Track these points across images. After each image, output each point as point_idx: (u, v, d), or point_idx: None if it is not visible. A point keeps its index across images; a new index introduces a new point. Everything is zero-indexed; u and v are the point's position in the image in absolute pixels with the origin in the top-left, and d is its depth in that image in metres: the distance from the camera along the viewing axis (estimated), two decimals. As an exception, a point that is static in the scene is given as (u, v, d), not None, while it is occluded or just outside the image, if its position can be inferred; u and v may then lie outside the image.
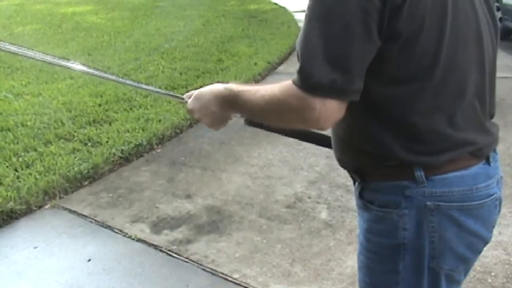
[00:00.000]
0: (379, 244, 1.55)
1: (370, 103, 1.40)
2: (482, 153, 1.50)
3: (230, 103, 1.57)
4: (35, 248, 3.74)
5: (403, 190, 1.45)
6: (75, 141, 5.26)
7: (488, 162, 1.52)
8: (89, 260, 3.60)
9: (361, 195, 1.58)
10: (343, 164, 1.62)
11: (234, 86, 1.56)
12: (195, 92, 1.70)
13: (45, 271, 3.50)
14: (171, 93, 2.17)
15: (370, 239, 1.57)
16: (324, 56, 1.28)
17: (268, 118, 1.54)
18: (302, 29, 1.35)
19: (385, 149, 1.44)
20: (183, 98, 1.80)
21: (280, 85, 1.40)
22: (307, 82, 1.31)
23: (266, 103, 1.43)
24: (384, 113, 1.42)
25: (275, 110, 1.43)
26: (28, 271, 3.48)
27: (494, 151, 1.59)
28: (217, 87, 1.62)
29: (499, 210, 1.64)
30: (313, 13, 1.32)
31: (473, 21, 1.48)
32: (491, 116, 1.62)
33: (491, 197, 1.52)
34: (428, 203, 1.44)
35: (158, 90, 2.46)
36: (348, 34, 1.28)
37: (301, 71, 1.33)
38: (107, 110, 6.16)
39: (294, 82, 1.34)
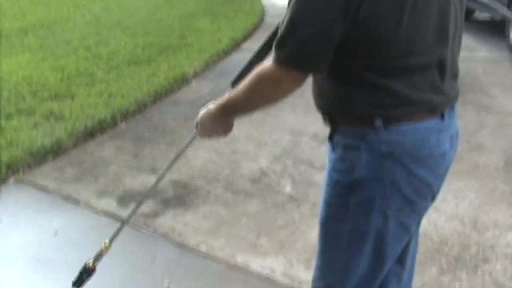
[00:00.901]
0: (338, 181, 1.78)
1: (337, 68, 1.64)
2: (437, 110, 1.69)
3: (224, 112, 1.88)
4: (-1, 222, 3.71)
5: (363, 135, 1.66)
6: (37, 115, 5.19)
7: (442, 118, 1.69)
8: (56, 234, 3.60)
9: (330, 138, 1.82)
10: (319, 108, 1.84)
11: (221, 98, 1.87)
12: (196, 120, 2.01)
13: (10, 245, 3.49)
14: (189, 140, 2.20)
15: (332, 176, 1.80)
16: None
17: (251, 102, 1.80)
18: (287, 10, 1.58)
19: (350, 103, 1.67)
20: (196, 132, 2.06)
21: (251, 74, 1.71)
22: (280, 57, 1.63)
23: (245, 88, 1.74)
24: (349, 77, 1.65)
25: (251, 90, 1.72)
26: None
27: (452, 109, 1.72)
28: (209, 108, 1.93)
29: (449, 163, 1.80)
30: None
31: None
32: (455, 76, 1.75)
33: (440, 150, 1.70)
34: (384, 149, 1.64)
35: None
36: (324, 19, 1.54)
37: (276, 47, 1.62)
38: (68, 85, 6.08)
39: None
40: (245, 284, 3.20)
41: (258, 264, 3.37)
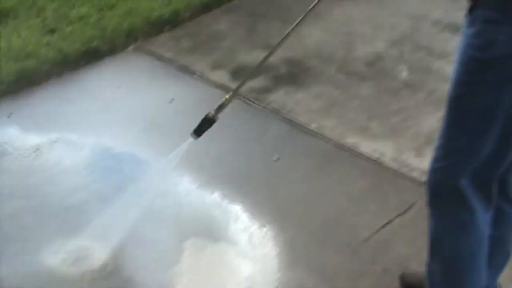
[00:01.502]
0: (473, 57, 1.67)
1: None
2: None
3: None
4: (119, 87, 3.86)
5: (508, 8, 1.55)
6: (156, -14, 5.20)
7: None
8: (171, 101, 3.70)
9: (470, 12, 1.67)
10: None
11: None
12: None
13: (128, 108, 3.64)
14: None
15: (466, 52, 1.69)
16: None
17: None
18: None
19: None
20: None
21: None
22: None
23: None
24: None
25: None
26: (113, 108, 3.62)
27: None
28: None
29: None
30: None
31: None
32: None
33: None
34: None
35: None
36: None
37: None
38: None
39: None
40: (353, 165, 3.19)
41: (367, 146, 3.33)
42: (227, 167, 3.10)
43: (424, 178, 3.10)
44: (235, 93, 2.03)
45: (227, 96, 2.03)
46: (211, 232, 2.60)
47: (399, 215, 2.82)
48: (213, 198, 2.83)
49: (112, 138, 3.28)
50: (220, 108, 2.03)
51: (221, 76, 4.01)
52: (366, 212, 2.82)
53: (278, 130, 3.49)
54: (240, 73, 4.03)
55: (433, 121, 3.57)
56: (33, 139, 3.21)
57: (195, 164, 3.04)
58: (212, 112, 2.04)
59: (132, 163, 3.05)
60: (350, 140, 3.38)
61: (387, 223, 2.75)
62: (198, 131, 2.09)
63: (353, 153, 3.28)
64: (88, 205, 2.67)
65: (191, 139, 2.18)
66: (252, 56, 4.25)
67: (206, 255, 2.48)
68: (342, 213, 2.81)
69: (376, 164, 3.20)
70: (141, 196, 2.53)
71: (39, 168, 2.96)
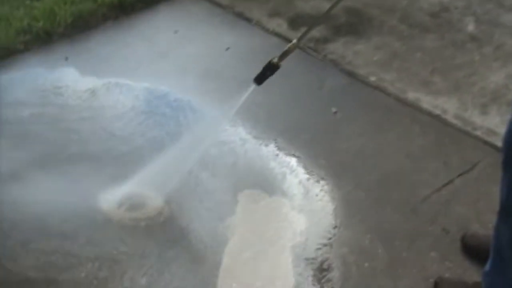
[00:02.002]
0: None
1: None
2: None
3: None
4: (175, 32, 3.80)
5: None
6: None
7: None
8: (227, 49, 3.63)
9: None
10: None
11: None
12: None
13: (185, 55, 3.59)
14: None
15: None
16: None
17: None
18: None
19: None
20: None
21: None
22: None
23: None
24: None
25: None
26: (170, 53, 3.58)
27: None
28: None
29: None
30: None
31: None
32: None
33: None
34: None
35: None
36: None
37: None
38: None
39: None
40: (414, 121, 3.07)
41: (429, 102, 3.20)
42: (283, 119, 3.03)
43: (488, 137, 3.00)
44: (300, 40, 1.92)
45: (292, 43, 1.92)
46: (266, 184, 2.56)
47: (461, 174, 2.71)
48: (269, 149, 2.77)
49: (168, 84, 3.24)
50: (284, 55, 1.93)
51: (279, 24, 3.91)
52: (426, 170, 2.73)
53: (336, 82, 3.39)
54: (298, 22, 3.93)
55: (500, 77, 3.42)
56: (89, 82, 3.21)
57: (251, 114, 2.99)
58: (276, 58, 1.92)
59: (188, 111, 3.01)
60: (412, 95, 3.26)
61: (448, 183, 2.66)
62: (260, 78, 1.98)
63: (414, 109, 3.15)
64: (143, 152, 2.66)
65: (251, 87, 2.08)
66: (310, 5, 4.14)
67: (261, 207, 2.45)
68: (401, 170, 2.72)
69: (438, 120, 3.07)
70: (197, 145, 2.50)
71: (94, 113, 2.96)
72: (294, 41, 1.90)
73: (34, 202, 2.32)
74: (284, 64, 3.34)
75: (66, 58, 3.38)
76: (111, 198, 2.38)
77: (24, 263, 2.07)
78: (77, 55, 3.46)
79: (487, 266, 1.87)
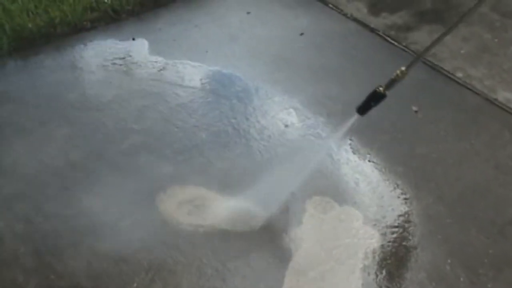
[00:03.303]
0: None
1: None
2: None
3: None
4: (248, 13, 3.60)
5: None
6: None
7: None
8: (301, 34, 3.40)
9: None
10: None
11: None
12: None
13: (256, 38, 3.39)
14: None
15: None
16: None
17: None
18: None
19: None
20: None
21: None
22: None
23: None
24: None
25: None
26: (240, 36, 3.39)
27: None
28: None
29: None
30: None
31: None
32: None
33: None
34: None
35: None
36: None
37: None
38: None
39: None
40: (505, 125, 2.78)
41: (523, 104, 2.89)
42: (359, 116, 2.78)
43: None
44: (410, 68, 1.66)
45: (400, 70, 1.67)
46: (337, 191, 2.35)
47: (557, 192, 2.41)
48: (342, 151, 2.55)
49: (237, 69, 3.05)
50: (391, 83, 1.68)
51: (358, 8, 3.64)
52: (517, 184, 2.45)
53: (418, 76, 3.11)
54: (379, 6, 3.64)
55: None
56: (157, 62, 3.06)
57: (325, 108, 2.78)
58: (381, 87, 1.68)
59: (256, 102, 2.82)
60: (503, 94, 2.95)
61: (541, 201, 2.37)
62: (364, 108, 1.75)
63: (506, 111, 2.85)
64: (206, 148, 2.49)
65: (354, 117, 1.85)
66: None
67: (330, 218, 2.24)
68: (489, 183, 2.45)
69: (532, 126, 2.77)
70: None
71: (158, 99, 2.81)
72: (403, 68, 1.66)
73: (88, 196, 2.20)
74: (362, 49, 3.11)
75: (133, 39, 3.23)
76: (170, 198, 2.23)
77: (75, 268, 1.95)
78: (146, 34, 3.30)
79: None
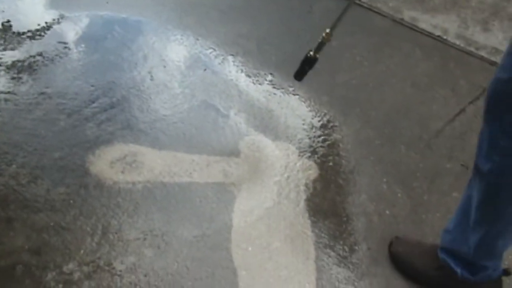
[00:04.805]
0: None
1: None
2: None
3: None
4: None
5: None
6: None
7: None
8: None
9: None
10: None
11: None
12: None
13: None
14: None
15: None
16: None
17: None
18: None
19: None
20: None
21: None
22: None
23: None
24: None
25: None
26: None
27: None
28: None
29: None
30: None
31: None
32: None
33: None
34: None
35: None
36: None
37: None
38: None
39: None
40: (415, 43, 2.86)
41: (427, 21, 3.00)
42: (275, 51, 2.77)
43: (493, 57, 2.81)
44: (334, 29, 1.66)
45: (326, 32, 1.67)
46: (268, 128, 2.34)
47: (472, 102, 2.54)
48: (265, 88, 2.53)
49: (144, 17, 2.92)
50: (320, 46, 1.68)
51: None
52: (435, 99, 2.55)
53: (325, 5, 3.11)
54: None
55: (499, -11, 3.20)
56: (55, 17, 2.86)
57: (240, 48, 2.73)
58: (312, 51, 1.69)
59: (170, 48, 2.73)
60: (408, 14, 3.03)
61: (459, 112, 2.49)
62: (300, 74, 1.75)
63: (413, 31, 2.93)
64: (127, 102, 2.39)
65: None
66: None
67: (266, 156, 2.23)
68: (409, 101, 2.53)
69: (439, 42, 2.86)
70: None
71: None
72: (327, 30, 1.65)
73: (13, 170, 2.06)
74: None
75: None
76: (98, 159, 2.14)
77: (13, 245, 1.83)
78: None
79: (450, 225, 1.71)
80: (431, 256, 1.81)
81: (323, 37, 1.64)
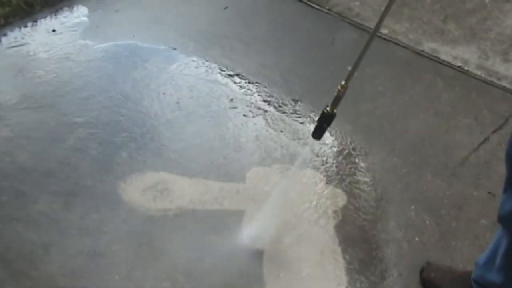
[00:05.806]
0: None
1: None
2: None
3: None
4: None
5: None
6: None
7: None
8: (226, 8, 3.39)
9: None
10: None
11: None
12: None
13: (181, 16, 3.33)
14: None
15: None
16: None
17: None
18: None
19: None
20: None
21: None
22: None
23: None
24: None
25: None
26: (165, 16, 3.31)
27: None
28: None
29: None
30: None
31: None
32: None
33: None
34: None
35: None
36: None
37: None
38: None
39: None
40: (436, 74, 2.91)
41: (447, 53, 3.05)
42: (299, 81, 2.82)
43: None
44: (348, 81, 1.64)
45: (339, 86, 1.63)
46: (295, 157, 2.38)
47: (495, 131, 2.57)
48: (292, 119, 2.58)
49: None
50: (336, 101, 1.65)
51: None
52: (458, 128, 2.58)
53: (347, 36, 3.19)
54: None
55: (516, 20, 3.26)
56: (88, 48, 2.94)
57: (265, 79, 2.79)
58: (328, 107, 1.65)
59: (198, 78, 2.79)
60: (428, 45, 3.08)
61: (484, 141, 2.52)
62: (319, 132, 1.72)
63: (434, 61, 2.98)
64: (157, 131, 2.44)
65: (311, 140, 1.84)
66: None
67: (295, 183, 2.26)
68: (433, 130, 2.56)
69: (461, 73, 2.91)
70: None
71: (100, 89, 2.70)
72: (343, 83, 1.63)
73: (46, 197, 2.10)
74: (287, 20, 3.13)
75: (53, 30, 3.09)
76: (130, 186, 2.18)
77: (49, 270, 1.86)
78: (64, 25, 3.17)
79: (481, 259, 1.74)
80: (462, 282, 1.82)
81: (339, 90, 1.62)
